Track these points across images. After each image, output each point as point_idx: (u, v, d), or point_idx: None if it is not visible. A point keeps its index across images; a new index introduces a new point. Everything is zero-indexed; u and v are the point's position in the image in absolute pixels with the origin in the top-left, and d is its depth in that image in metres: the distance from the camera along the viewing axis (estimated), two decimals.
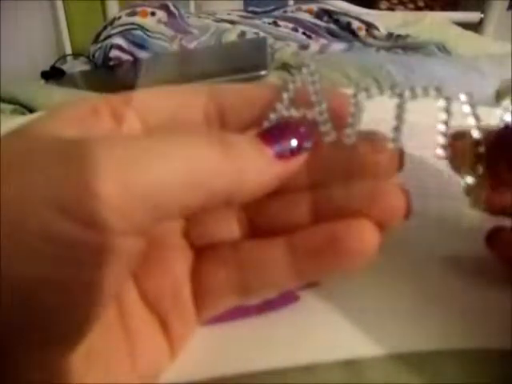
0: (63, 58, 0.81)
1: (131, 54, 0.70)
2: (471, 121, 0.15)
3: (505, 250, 0.16)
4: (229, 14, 0.83)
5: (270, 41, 0.68)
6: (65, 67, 0.73)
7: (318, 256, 0.13)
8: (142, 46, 0.70)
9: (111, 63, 0.70)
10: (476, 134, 0.15)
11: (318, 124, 0.14)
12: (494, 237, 0.16)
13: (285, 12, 0.83)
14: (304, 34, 0.75)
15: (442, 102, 0.15)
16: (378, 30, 0.75)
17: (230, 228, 0.15)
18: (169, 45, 0.72)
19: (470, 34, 0.80)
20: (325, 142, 0.14)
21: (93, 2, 0.92)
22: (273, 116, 0.15)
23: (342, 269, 0.13)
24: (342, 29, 0.77)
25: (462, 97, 0.15)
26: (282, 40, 0.71)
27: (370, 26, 0.76)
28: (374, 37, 0.74)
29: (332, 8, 0.82)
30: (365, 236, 0.13)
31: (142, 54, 0.70)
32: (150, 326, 0.14)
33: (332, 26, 0.78)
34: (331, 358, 0.14)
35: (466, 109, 0.15)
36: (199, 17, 0.83)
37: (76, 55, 0.83)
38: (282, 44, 0.68)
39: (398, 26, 0.80)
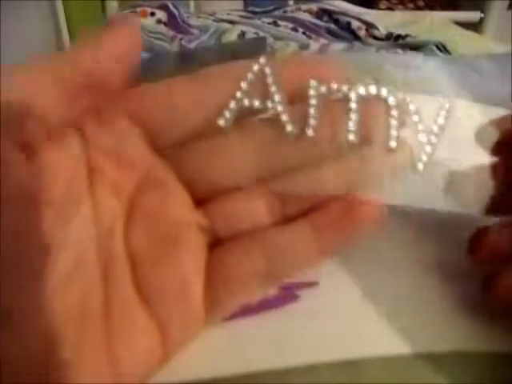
0: None
1: None
2: (416, 119, 0.15)
3: (488, 255, 0.15)
4: (229, 14, 0.83)
5: (270, 41, 0.68)
6: None
7: (338, 226, 0.14)
8: (141, 46, 0.70)
9: None
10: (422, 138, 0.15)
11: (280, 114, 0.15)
12: (477, 241, 0.15)
13: (285, 12, 0.83)
14: (304, 33, 0.75)
15: (393, 101, 0.15)
16: (377, 29, 0.75)
17: (256, 215, 0.15)
18: (169, 45, 0.71)
19: (470, 33, 0.80)
20: (287, 134, 0.14)
21: (93, 2, 0.92)
22: (233, 104, 0.15)
23: (356, 234, 0.15)
24: (341, 29, 0.77)
25: (407, 98, 0.15)
26: (282, 40, 0.71)
27: (369, 26, 0.76)
28: (374, 36, 0.74)
29: (332, 8, 0.82)
30: (372, 202, 0.14)
31: (142, 54, 0.70)
32: (142, 327, 0.13)
33: (332, 26, 0.78)
34: (331, 358, 0.14)
35: (413, 109, 0.15)
36: (199, 17, 0.83)
37: None
38: (281, 44, 0.68)
39: (397, 25, 0.80)
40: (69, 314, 0.11)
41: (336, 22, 0.79)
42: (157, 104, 0.15)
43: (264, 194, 0.15)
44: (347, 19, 0.77)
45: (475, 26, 0.97)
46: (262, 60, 0.15)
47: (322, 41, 0.73)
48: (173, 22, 0.75)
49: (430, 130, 0.15)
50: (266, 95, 0.15)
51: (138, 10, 0.73)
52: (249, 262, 0.14)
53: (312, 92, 0.15)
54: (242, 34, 0.72)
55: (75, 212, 0.12)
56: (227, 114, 0.15)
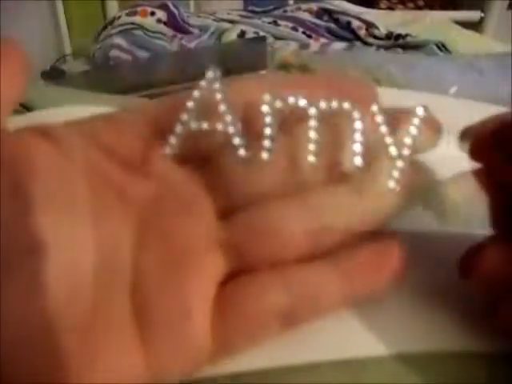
0: (63, 57, 0.82)
1: (131, 53, 0.70)
2: (383, 129, 0.13)
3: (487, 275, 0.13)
4: (228, 14, 0.83)
5: (270, 40, 0.68)
6: (65, 67, 0.73)
7: (368, 273, 0.13)
8: (141, 46, 0.70)
9: (111, 63, 0.70)
10: (394, 152, 0.13)
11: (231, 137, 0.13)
12: (469, 262, 0.13)
13: (284, 11, 0.83)
14: (304, 33, 0.75)
15: (357, 115, 0.13)
16: (377, 29, 0.75)
17: (286, 246, 0.13)
18: (169, 44, 0.72)
19: (470, 33, 0.80)
20: (239, 158, 0.13)
21: (93, 2, 0.92)
22: (179, 129, 0.13)
23: (381, 285, 0.13)
24: (341, 28, 0.77)
25: (374, 107, 0.13)
26: (282, 39, 0.71)
27: (369, 25, 0.76)
28: (374, 36, 0.74)
29: (332, 7, 0.82)
30: (397, 252, 0.13)
31: (142, 54, 0.70)
32: (125, 346, 0.12)
33: (332, 26, 0.78)
34: (331, 358, 0.14)
35: (380, 119, 0.13)
36: (199, 16, 0.83)
37: (76, 55, 0.83)
38: (281, 43, 0.68)
39: (397, 25, 0.80)
40: (50, 316, 0.11)
41: (336, 21, 0.78)
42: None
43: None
44: (347, 19, 0.77)
45: (475, 26, 0.97)
46: (210, 74, 0.13)
47: (322, 40, 0.73)
48: (173, 21, 0.75)
49: (401, 143, 0.14)
50: (216, 116, 0.13)
51: (138, 9, 0.73)
52: (270, 297, 0.13)
53: (265, 108, 0.13)
54: (242, 34, 0.72)
55: (66, 213, 0.11)
56: (173, 140, 0.13)
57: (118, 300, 0.12)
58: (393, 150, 0.13)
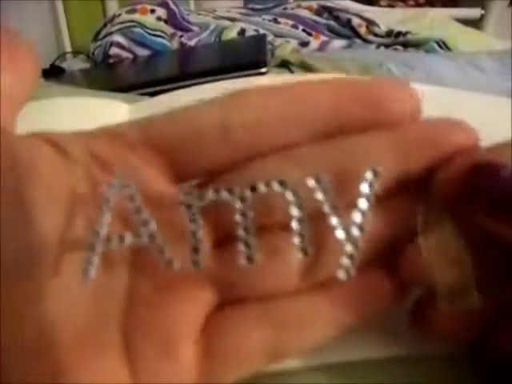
0: (63, 55, 0.81)
1: (131, 51, 0.70)
2: (326, 209, 0.11)
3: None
4: (228, 12, 0.83)
5: (270, 38, 0.68)
6: (64, 65, 0.73)
7: (359, 302, 0.13)
8: (141, 44, 0.70)
9: (111, 61, 0.70)
10: (339, 234, 0.11)
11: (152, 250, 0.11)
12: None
13: (285, 9, 0.83)
14: (304, 31, 0.75)
15: (289, 195, 0.11)
16: (378, 26, 0.75)
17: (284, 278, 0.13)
18: (169, 42, 0.71)
19: (470, 30, 0.80)
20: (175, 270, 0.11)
21: (93, 2, 0.92)
22: (99, 247, 0.11)
23: (375, 310, 0.13)
24: (342, 26, 0.77)
25: (311, 182, 0.11)
26: (282, 37, 0.71)
27: (370, 23, 0.75)
28: (375, 34, 0.74)
29: (332, 5, 0.81)
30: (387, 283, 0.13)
31: (142, 52, 0.70)
32: (109, 362, 0.12)
33: (332, 23, 0.78)
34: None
35: (319, 196, 0.11)
36: (199, 14, 0.83)
37: (76, 53, 0.83)
38: (281, 41, 0.68)
39: (398, 22, 0.80)
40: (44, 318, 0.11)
41: (336, 19, 0.78)
42: (182, 133, 0.13)
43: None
44: (347, 16, 0.77)
45: (476, 23, 0.97)
46: (116, 182, 0.11)
47: (322, 38, 0.73)
48: (173, 19, 0.75)
49: (349, 221, 0.11)
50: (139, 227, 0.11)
51: (138, 7, 0.73)
52: (257, 335, 0.12)
53: (186, 199, 0.11)
54: (242, 32, 0.72)
55: (67, 219, 0.11)
56: (89, 267, 0.11)
57: (109, 323, 0.12)
58: (339, 233, 0.11)
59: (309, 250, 0.11)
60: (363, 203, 0.11)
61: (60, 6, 0.85)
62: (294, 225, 0.11)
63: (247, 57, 0.56)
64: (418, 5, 1.26)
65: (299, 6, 0.83)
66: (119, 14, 0.74)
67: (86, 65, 0.74)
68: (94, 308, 0.12)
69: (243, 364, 0.12)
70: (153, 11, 0.74)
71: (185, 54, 0.70)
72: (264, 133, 0.13)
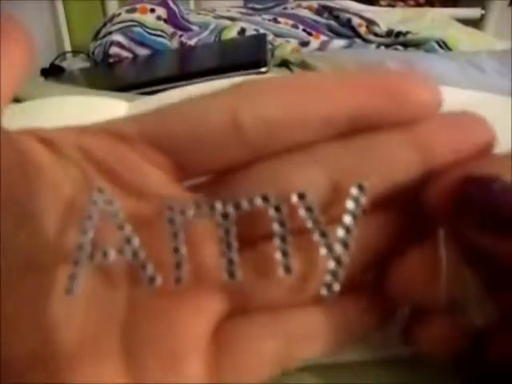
0: (63, 55, 0.81)
1: (131, 50, 0.70)
2: (309, 225, 0.11)
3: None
4: (228, 11, 0.83)
5: (270, 37, 0.68)
6: (64, 64, 0.73)
7: (367, 313, 0.12)
8: (141, 43, 0.70)
9: (111, 60, 0.70)
10: (322, 249, 0.11)
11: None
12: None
13: (285, 9, 0.83)
14: (304, 30, 0.75)
15: (271, 211, 0.11)
16: (378, 26, 0.75)
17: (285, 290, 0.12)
18: (169, 42, 0.71)
19: (470, 30, 0.80)
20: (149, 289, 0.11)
21: (93, 2, 0.92)
22: (81, 263, 0.11)
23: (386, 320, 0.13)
24: (342, 25, 0.77)
25: (294, 197, 0.11)
26: (282, 37, 0.71)
27: (370, 23, 0.75)
28: (375, 33, 0.74)
29: (332, 5, 0.81)
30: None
31: (142, 51, 0.70)
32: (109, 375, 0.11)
33: (332, 23, 0.78)
34: None
35: (302, 212, 0.11)
36: (199, 13, 0.83)
37: (75, 52, 0.82)
38: (282, 41, 0.68)
39: (398, 22, 0.80)
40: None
41: (336, 18, 0.78)
42: (187, 129, 0.12)
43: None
44: (348, 16, 0.77)
45: (476, 23, 0.97)
46: (96, 196, 0.11)
47: (323, 38, 0.72)
48: (173, 18, 0.75)
49: (333, 238, 0.11)
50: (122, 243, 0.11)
51: (138, 6, 0.73)
52: (269, 347, 0.12)
53: (168, 214, 0.11)
54: (242, 31, 0.72)
55: (63, 222, 0.11)
56: (73, 283, 0.11)
57: (110, 334, 0.11)
58: (322, 250, 0.11)
59: (292, 268, 0.11)
60: (348, 219, 0.11)
61: (60, 6, 0.85)
62: (277, 242, 0.11)
63: (247, 56, 0.56)
64: (418, 5, 1.26)
65: (299, 6, 0.83)
66: (119, 14, 0.73)
67: (86, 64, 0.73)
68: (94, 318, 0.11)
69: (254, 376, 0.12)
70: (153, 10, 0.74)
71: (185, 54, 0.70)
72: (279, 131, 0.12)
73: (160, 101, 0.13)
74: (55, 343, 0.11)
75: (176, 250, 0.11)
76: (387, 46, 0.69)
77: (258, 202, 0.11)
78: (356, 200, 0.11)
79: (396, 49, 0.66)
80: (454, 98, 0.12)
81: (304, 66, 0.52)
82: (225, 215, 0.11)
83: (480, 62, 0.47)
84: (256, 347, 0.12)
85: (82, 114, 0.22)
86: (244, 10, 0.85)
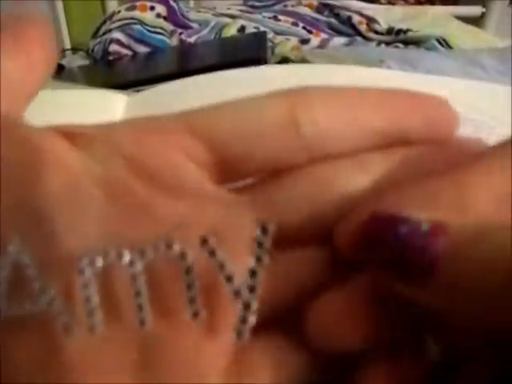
0: (62, 52, 0.81)
1: (130, 48, 0.70)
2: (215, 269, 0.11)
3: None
4: (228, 9, 0.83)
5: (270, 35, 0.68)
6: (64, 62, 0.73)
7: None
8: (141, 41, 0.70)
9: (110, 58, 0.70)
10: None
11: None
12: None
13: (285, 6, 0.83)
14: (304, 28, 0.75)
15: (176, 259, 0.11)
16: (378, 24, 0.75)
17: None
18: (168, 39, 0.71)
19: (471, 28, 0.80)
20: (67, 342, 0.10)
21: (93, 2, 0.91)
22: None
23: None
24: (342, 23, 0.77)
25: (197, 241, 0.11)
26: (282, 34, 0.71)
27: (370, 21, 0.75)
28: (375, 31, 0.74)
29: (332, 2, 0.81)
30: None
31: (142, 49, 0.70)
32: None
33: (332, 21, 0.77)
34: None
35: (205, 257, 0.11)
36: (199, 11, 0.83)
37: (75, 50, 0.82)
38: (282, 38, 0.68)
39: (398, 20, 0.80)
40: None
41: (337, 16, 0.78)
42: (240, 125, 0.12)
43: None
44: (348, 14, 0.77)
45: (476, 21, 0.97)
46: (12, 248, 0.10)
47: (323, 35, 0.72)
48: (172, 16, 0.75)
49: (241, 283, 0.11)
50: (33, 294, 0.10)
51: (138, 4, 0.73)
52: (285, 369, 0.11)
53: (86, 271, 0.10)
54: (242, 29, 0.72)
55: (79, 223, 0.11)
56: None
57: (121, 336, 0.11)
58: (229, 290, 0.11)
59: (199, 312, 0.11)
60: (252, 262, 0.11)
61: (59, 3, 0.85)
62: (184, 290, 0.11)
63: (247, 54, 0.55)
64: (419, 2, 1.26)
65: (299, 4, 0.82)
66: (119, 11, 0.73)
67: (86, 62, 0.73)
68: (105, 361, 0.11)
69: None
70: (152, 8, 0.73)
71: (184, 51, 0.70)
72: (331, 136, 0.12)
73: (159, 93, 0.12)
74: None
75: (87, 300, 0.11)
76: (387, 43, 0.69)
77: (162, 249, 0.11)
78: (259, 243, 0.11)
79: (396, 47, 0.66)
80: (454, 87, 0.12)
81: (304, 63, 0.52)
82: (131, 263, 0.11)
83: (480, 60, 0.47)
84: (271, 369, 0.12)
85: (83, 106, 0.22)
86: (244, 8, 0.84)
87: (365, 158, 0.12)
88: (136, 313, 0.11)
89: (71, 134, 0.11)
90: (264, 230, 0.11)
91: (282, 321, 0.12)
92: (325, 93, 0.12)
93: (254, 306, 0.11)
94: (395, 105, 0.12)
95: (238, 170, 0.12)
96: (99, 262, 0.11)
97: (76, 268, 0.10)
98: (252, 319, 0.11)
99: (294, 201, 0.12)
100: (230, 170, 0.12)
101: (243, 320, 0.11)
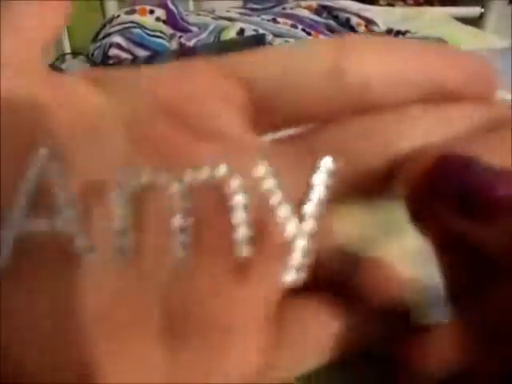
0: (62, 56, 0.81)
1: (130, 52, 0.70)
2: (276, 199, 0.10)
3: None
4: (228, 12, 0.83)
5: (269, 37, 0.68)
6: (64, 66, 0.73)
7: None
8: (141, 45, 0.70)
9: (110, 62, 0.70)
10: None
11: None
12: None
13: (284, 9, 0.83)
14: (303, 30, 0.75)
15: (235, 185, 0.10)
16: (377, 25, 0.75)
17: None
18: (168, 43, 0.71)
19: (470, 29, 0.80)
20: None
21: (92, 2, 0.91)
22: (5, 233, 0.09)
23: None
24: (341, 25, 0.77)
25: (268, 184, 0.10)
26: (282, 37, 0.71)
27: (369, 22, 0.75)
28: (374, 33, 0.74)
29: (331, 4, 0.81)
30: None
31: (141, 52, 0.70)
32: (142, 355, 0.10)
33: (331, 23, 0.78)
34: None
35: (276, 198, 0.10)
36: (198, 14, 0.83)
37: (75, 54, 0.82)
38: (281, 41, 0.68)
39: (397, 21, 0.80)
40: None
41: (335, 18, 0.78)
42: (284, 73, 0.11)
43: None
44: (346, 15, 0.77)
45: (475, 22, 0.97)
46: (43, 151, 0.10)
47: (322, 37, 0.72)
48: (172, 19, 0.75)
49: (301, 213, 0.10)
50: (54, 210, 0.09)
51: (137, 7, 0.73)
52: (339, 323, 0.11)
53: (116, 192, 0.09)
54: (241, 32, 0.72)
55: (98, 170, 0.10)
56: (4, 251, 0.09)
57: (147, 302, 0.10)
58: (290, 227, 0.10)
59: (247, 257, 0.10)
60: (317, 194, 0.10)
61: None
62: (230, 230, 0.10)
63: None
64: (418, 4, 1.26)
65: (298, 6, 0.82)
66: (118, 15, 0.73)
67: (86, 66, 0.73)
68: (127, 285, 0.10)
69: (319, 354, 0.11)
70: (152, 12, 0.74)
71: (184, 55, 0.70)
72: (376, 86, 0.11)
73: None
74: (78, 321, 0.09)
75: (122, 217, 0.09)
76: None
77: (223, 170, 0.10)
78: (327, 173, 0.10)
79: None
80: None
81: None
82: (167, 186, 0.10)
83: None
84: (325, 321, 0.11)
85: None
86: (243, 11, 0.85)
87: (411, 111, 0.12)
88: (170, 246, 0.09)
89: (96, 78, 0.11)
90: (334, 162, 0.10)
91: (329, 281, 0.11)
92: (370, 42, 0.12)
93: (306, 254, 0.10)
94: (437, 59, 0.12)
95: (278, 118, 0.12)
96: (133, 183, 0.10)
97: (106, 187, 0.10)
98: (301, 268, 0.10)
99: (340, 152, 0.11)
100: (269, 119, 0.12)
101: (305, 254, 0.10)
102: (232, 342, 0.10)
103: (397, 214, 0.11)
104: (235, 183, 0.10)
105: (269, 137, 0.12)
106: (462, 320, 0.10)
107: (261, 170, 0.10)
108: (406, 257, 0.11)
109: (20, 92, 0.10)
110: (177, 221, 0.10)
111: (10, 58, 0.10)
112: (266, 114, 0.11)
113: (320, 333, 0.11)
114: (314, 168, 0.10)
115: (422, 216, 0.10)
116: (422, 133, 0.11)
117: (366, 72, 0.11)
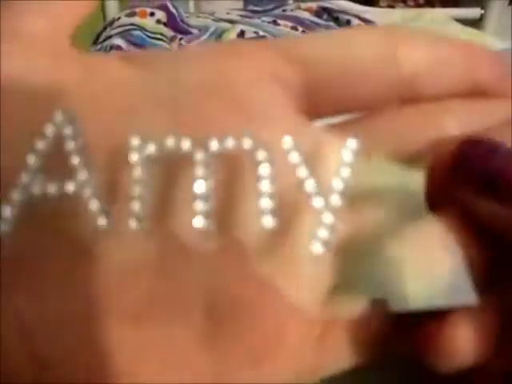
0: None
1: None
2: (302, 173, 0.10)
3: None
4: (228, 14, 0.83)
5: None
6: None
7: None
8: (141, 47, 0.70)
9: None
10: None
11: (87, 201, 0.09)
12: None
13: (284, 11, 0.83)
14: (304, 32, 0.75)
15: (261, 156, 0.10)
16: None
17: None
18: (168, 45, 0.71)
19: (470, 30, 0.80)
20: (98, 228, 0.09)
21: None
22: (17, 195, 0.09)
23: None
24: (341, 27, 0.77)
25: (295, 157, 0.10)
26: None
27: (369, 24, 0.75)
28: None
29: (331, 6, 0.81)
30: None
31: None
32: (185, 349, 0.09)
33: (332, 24, 0.78)
34: None
35: (302, 172, 0.10)
36: (198, 17, 0.83)
37: None
38: None
39: (397, 23, 0.80)
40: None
41: (336, 20, 0.78)
42: (339, 58, 0.11)
43: None
44: (347, 17, 0.77)
45: (476, 23, 0.97)
46: (59, 117, 0.09)
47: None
48: (172, 22, 0.75)
49: (328, 188, 0.10)
50: (67, 172, 0.09)
51: (138, 10, 0.73)
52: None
53: (134, 157, 0.09)
54: (242, 34, 0.72)
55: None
56: (7, 212, 0.09)
57: (184, 286, 0.09)
58: (316, 201, 0.10)
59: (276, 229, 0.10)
60: (345, 172, 0.10)
61: None
62: (258, 200, 0.09)
63: None
64: (418, 5, 1.26)
65: (299, 8, 0.83)
66: (119, 18, 0.74)
67: None
68: (164, 271, 0.09)
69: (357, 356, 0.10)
70: (152, 14, 0.74)
71: None
72: (427, 77, 0.12)
73: None
74: (108, 303, 0.09)
75: (137, 183, 0.09)
76: None
77: (248, 143, 0.10)
78: (346, 164, 0.10)
79: None
80: None
81: None
82: (191, 153, 0.10)
83: None
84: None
85: None
86: (243, 13, 0.85)
87: (452, 105, 0.12)
88: (191, 218, 0.09)
89: (132, 57, 0.11)
90: (359, 141, 0.10)
91: None
92: (417, 34, 0.12)
93: (333, 230, 0.10)
94: (478, 56, 0.13)
95: (329, 104, 0.12)
96: (151, 149, 0.09)
97: (128, 149, 0.09)
98: (328, 243, 0.10)
99: (383, 137, 0.11)
100: (320, 103, 0.12)
101: (331, 229, 0.10)
102: (282, 335, 0.10)
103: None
104: (262, 155, 0.10)
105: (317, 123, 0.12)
106: (486, 307, 0.10)
107: (288, 142, 0.10)
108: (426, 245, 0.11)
109: (44, 65, 0.11)
110: (199, 188, 0.09)
111: (41, 40, 0.11)
112: (318, 98, 0.11)
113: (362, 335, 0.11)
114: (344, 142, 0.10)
115: (443, 202, 0.10)
116: (457, 124, 0.11)
117: (416, 62, 0.12)
